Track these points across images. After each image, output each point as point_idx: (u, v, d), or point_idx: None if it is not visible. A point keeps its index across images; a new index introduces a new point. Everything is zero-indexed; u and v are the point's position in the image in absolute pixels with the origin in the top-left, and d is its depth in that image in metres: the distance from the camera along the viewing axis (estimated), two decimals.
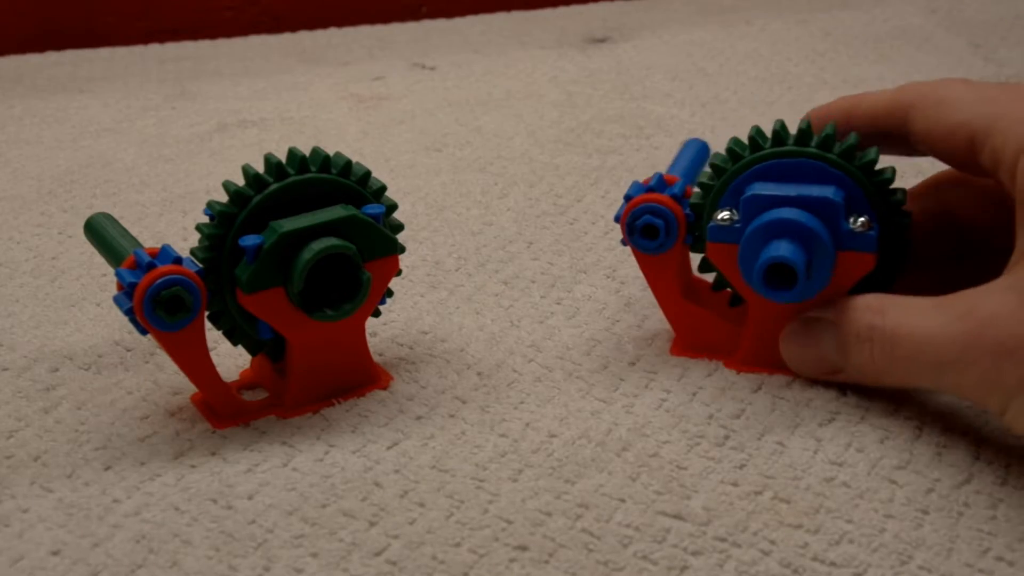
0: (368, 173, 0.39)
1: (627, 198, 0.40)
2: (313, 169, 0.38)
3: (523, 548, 0.33)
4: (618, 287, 0.48)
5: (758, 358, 0.40)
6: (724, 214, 0.39)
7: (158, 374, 0.43)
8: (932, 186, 0.42)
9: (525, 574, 0.32)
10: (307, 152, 0.39)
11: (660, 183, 0.41)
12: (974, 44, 0.79)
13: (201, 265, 0.38)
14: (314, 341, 0.39)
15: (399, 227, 0.41)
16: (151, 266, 0.36)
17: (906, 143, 0.39)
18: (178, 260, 0.37)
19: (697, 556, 0.32)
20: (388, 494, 0.35)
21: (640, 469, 0.36)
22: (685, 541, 0.33)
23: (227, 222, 0.37)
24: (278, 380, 0.40)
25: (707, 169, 0.40)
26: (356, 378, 0.41)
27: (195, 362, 0.38)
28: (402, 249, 0.40)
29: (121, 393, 0.41)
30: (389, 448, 0.38)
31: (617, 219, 0.41)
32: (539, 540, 0.33)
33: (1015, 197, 0.35)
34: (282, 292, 0.38)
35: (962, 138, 0.36)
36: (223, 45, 0.88)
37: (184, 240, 0.54)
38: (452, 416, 0.39)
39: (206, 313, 0.38)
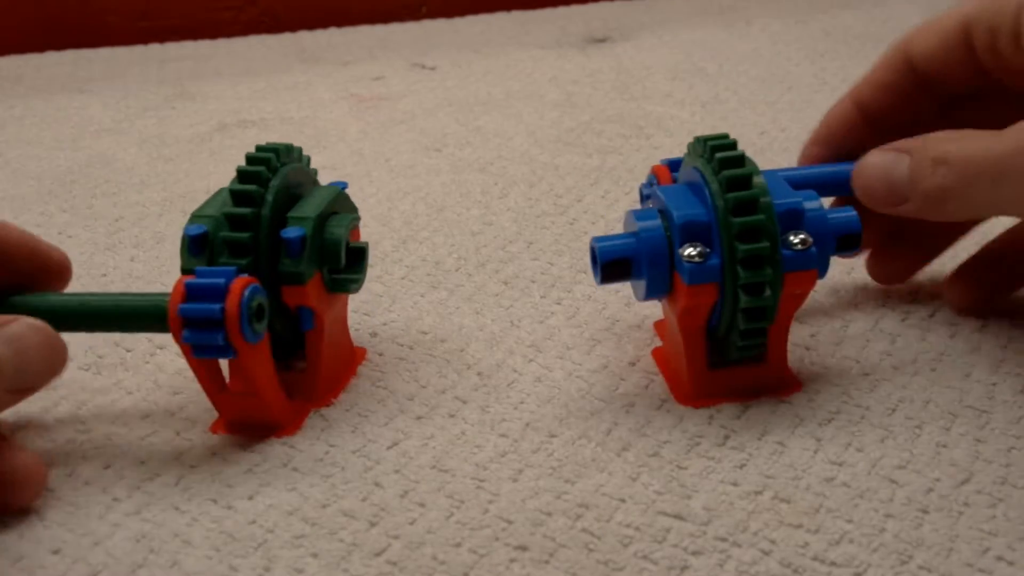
0: (309, 157, 0.42)
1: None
2: (283, 159, 0.40)
3: (523, 548, 0.33)
4: (618, 287, 0.48)
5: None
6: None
7: (158, 374, 0.43)
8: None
9: (525, 574, 0.32)
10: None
11: None
12: None
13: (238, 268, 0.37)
14: (332, 321, 0.40)
15: None
16: (222, 288, 0.35)
17: (918, 83, 0.41)
18: (237, 271, 0.35)
19: (697, 556, 0.32)
20: (388, 494, 0.35)
21: (640, 469, 0.36)
22: (685, 541, 0.33)
23: (254, 224, 0.37)
24: (292, 377, 0.40)
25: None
26: (348, 356, 0.42)
27: (267, 376, 0.37)
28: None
29: (121, 393, 0.41)
30: (389, 448, 0.38)
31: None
32: (539, 540, 0.33)
33: (1021, 59, 0.38)
34: (319, 277, 0.39)
35: (958, 36, 0.40)
36: (223, 45, 0.88)
37: None
38: (452, 416, 0.39)
39: None
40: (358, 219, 0.40)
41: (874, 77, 0.42)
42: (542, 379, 0.41)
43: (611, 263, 0.37)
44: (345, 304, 0.42)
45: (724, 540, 0.33)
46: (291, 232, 0.37)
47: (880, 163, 0.39)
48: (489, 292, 0.48)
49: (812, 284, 0.37)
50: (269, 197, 0.38)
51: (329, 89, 0.76)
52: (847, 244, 0.38)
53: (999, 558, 0.32)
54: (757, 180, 0.36)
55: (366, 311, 0.47)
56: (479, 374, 0.42)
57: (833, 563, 0.32)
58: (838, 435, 0.37)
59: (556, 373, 0.42)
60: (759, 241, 0.35)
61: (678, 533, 0.33)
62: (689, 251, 0.36)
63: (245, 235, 0.37)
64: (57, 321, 0.36)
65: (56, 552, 0.33)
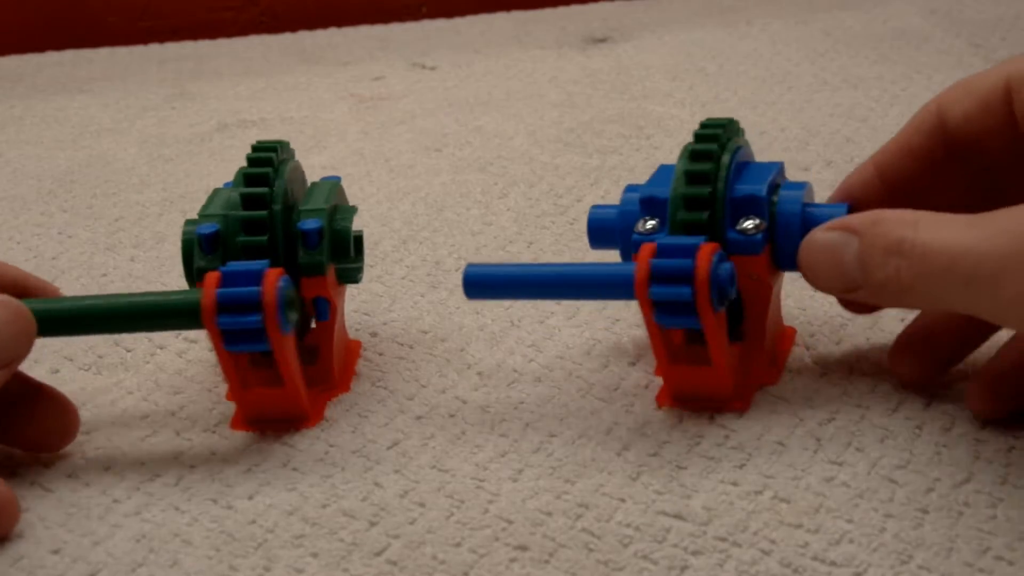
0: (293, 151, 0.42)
1: (686, 268, 0.35)
2: (281, 156, 0.41)
3: (523, 548, 0.33)
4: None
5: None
6: (750, 223, 0.37)
7: (158, 374, 0.43)
8: (933, 129, 0.38)
9: (525, 574, 0.32)
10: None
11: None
12: (974, 44, 0.79)
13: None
14: (338, 313, 0.41)
15: None
16: (258, 274, 0.35)
17: (948, 148, 0.37)
18: (270, 264, 0.36)
19: (697, 556, 0.32)
20: (388, 494, 0.35)
21: (640, 469, 0.36)
22: (685, 541, 0.33)
23: (268, 226, 0.38)
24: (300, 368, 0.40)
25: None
26: (350, 346, 0.43)
27: (295, 368, 0.37)
28: None
29: (121, 393, 0.41)
30: (389, 448, 0.38)
31: (687, 298, 0.35)
32: (539, 540, 0.33)
33: None
34: (333, 269, 0.40)
35: (999, 97, 0.35)
36: (223, 45, 0.88)
37: None
38: (452, 416, 0.39)
39: None
40: (355, 210, 0.42)
41: (900, 141, 0.38)
42: (542, 379, 0.41)
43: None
44: (342, 294, 0.43)
45: (724, 540, 0.33)
46: (309, 224, 0.38)
47: (827, 244, 0.35)
48: None
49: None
50: (278, 196, 0.39)
51: (329, 89, 0.76)
52: None
53: (999, 558, 0.32)
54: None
55: (366, 311, 0.47)
56: (479, 374, 0.42)
57: (833, 563, 0.32)
58: (838, 435, 0.37)
59: (556, 373, 0.42)
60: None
61: (678, 533, 0.33)
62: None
63: (262, 238, 0.38)
64: (85, 324, 0.36)
65: (56, 552, 0.33)
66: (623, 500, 0.35)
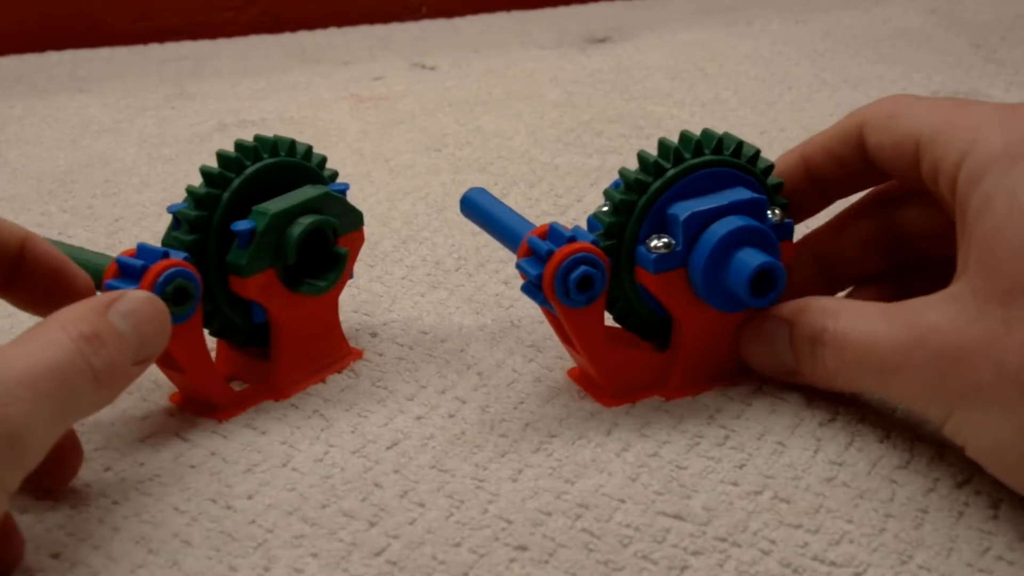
0: (325, 159, 0.42)
1: (546, 253, 0.37)
2: (282, 153, 0.40)
3: (523, 548, 0.33)
4: None
5: (695, 379, 0.40)
6: (659, 242, 0.37)
7: (158, 374, 0.42)
8: (875, 199, 0.41)
9: (525, 574, 0.32)
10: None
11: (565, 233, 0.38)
12: (974, 44, 0.79)
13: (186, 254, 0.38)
14: (299, 319, 0.40)
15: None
16: (164, 255, 0.36)
17: (863, 165, 0.39)
18: (165, 254, 0.36)
19: (697, 556, 0.32)
20: (388, 494, 0.35)
21: (640, 469, 0.36)
22: (685, 541, 0.33)
23: (211, 205, 0.38)
24: (261, 366, 0.41)
25: (616, 191, 0.38)
26: (332, 354, 0.42)
27: (195, 356, 0.38)
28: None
29: (121, 393, 0.41)
30: (389, 448, 0.38)
31: (535, 281, 0.37)
32: (539, 540, 0.33)
33: (955, 208, 0.34)
34: (273, 273, 0.39)
35: (909, 148, 0.36)
36: (223, 45, 0.88)
37: None
38: (452, 416, 0.39)
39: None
40: (336, 224, 0.40)
41: (825, 141, 0.39)
42: (542, 379, 0.41)
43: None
44: (331, 305, 0.42)
45: (724, 540, 0.33)
46: (241, 225, 0.38)
47: (762, 333, 0.38)
48: (489, 292, 0.48)
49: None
50: (235, 183, 0.39)
51: (329, 89, 0.76)
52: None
53: (999, 558, 0.32)
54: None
55: (366, 311, 0.47)
56: (479, 374, 0.42)
57: (833, 563, 0.32)
58: (838, 435, 0.37)
59: (556, 373, 0.42)
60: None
61: (678, 533, 0.33)
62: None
63: (190, 236, 0.38)
64: None
65: (55, 556, 0.33)
66: (623, 500, 0.35)
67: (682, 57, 0.79)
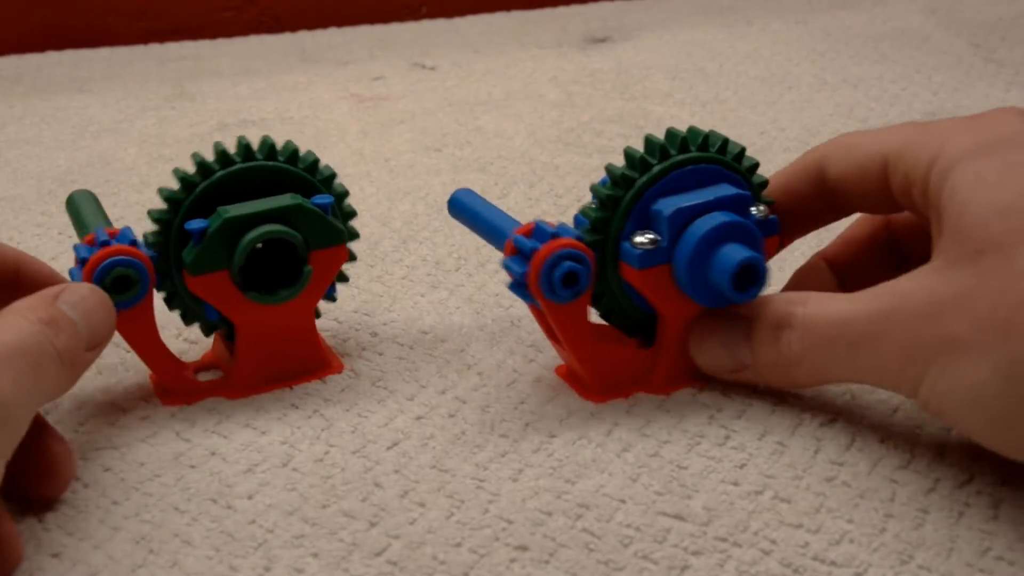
0: (317, 161, 0.41)
1: (530, 250, 0.37)
2: (259, 157, 0.40)
3: (523, 548, 0.33)
4: None
5: (679, 375, 0.40)
6: (643, 238, 0.37)
7: None
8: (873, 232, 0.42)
9: (526, 574, 0.32)
10: (272, 142, 0.40)
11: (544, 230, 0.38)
12: (974, 44, 0.79)
13: (154, 248, 0.39)
14: (260, 324, 0.40)
15: (351, 214, 0.42)
16: (105, 244, 0.38)
17: (822, 200, 0.39)
18: (134, 242, 0.38)
19: (698, 556, 0.32)
20: (388, 494, 0.35)
21: (640, 469, 0.36)
22: (686, 541, 0.33)
23: (175, 207, 0.39)
24: (231, 361, 0.41)
25: (603, 187, 0.38)
26: (306, 364, 0.42)
27: (144, 341, 0.40)
28: (353, 237, 0.42)
29: (121, 393, 0.41)
30: (389, 448, 0.38)
31: (521, 279, 0.37)
32: (539, 540, 0.33)
33: (928, 212, 0.35)
34: (227, 276, 0.39)
35: (875, 169, 0.37)
36: (223, 45, 0.88)
37: None
38: (452, 416, 0.39)
39: (161, 295, 0.40)
40: (297, 237, 0.39)
41: (783, 180, 0.40)
42: (542, 379, 0.41)
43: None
44: (301, 315, 0.41)
45: (724, 540, 0.33)
46: (194, 224, 0.38)
47: (714, 326, 0.38)
48: (489, 292, 0.48)
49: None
50: (200, 188, 0.39)
51: (329, 89, 0.76)
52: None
53: (999, 558, 0.32)
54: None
55: (366, 311, 0.47)
56: (479, 374, 0.42)
57: (833, 563, 0.32)
58: (839, 435, 0.37)
59: (556, 373, 0.42)
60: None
61: (678, 533, 0.33)
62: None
63: (167, 215, 0.39)
64: None
65: (56, 556, 0.33)
66: (623, 500, 0.35)
67: (682, 57, 0.79)
